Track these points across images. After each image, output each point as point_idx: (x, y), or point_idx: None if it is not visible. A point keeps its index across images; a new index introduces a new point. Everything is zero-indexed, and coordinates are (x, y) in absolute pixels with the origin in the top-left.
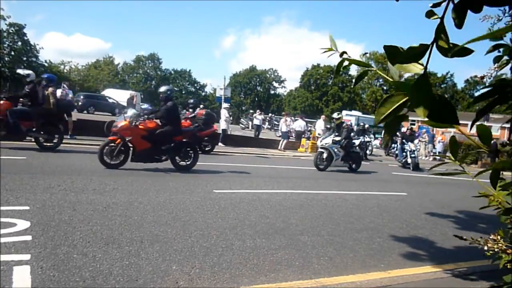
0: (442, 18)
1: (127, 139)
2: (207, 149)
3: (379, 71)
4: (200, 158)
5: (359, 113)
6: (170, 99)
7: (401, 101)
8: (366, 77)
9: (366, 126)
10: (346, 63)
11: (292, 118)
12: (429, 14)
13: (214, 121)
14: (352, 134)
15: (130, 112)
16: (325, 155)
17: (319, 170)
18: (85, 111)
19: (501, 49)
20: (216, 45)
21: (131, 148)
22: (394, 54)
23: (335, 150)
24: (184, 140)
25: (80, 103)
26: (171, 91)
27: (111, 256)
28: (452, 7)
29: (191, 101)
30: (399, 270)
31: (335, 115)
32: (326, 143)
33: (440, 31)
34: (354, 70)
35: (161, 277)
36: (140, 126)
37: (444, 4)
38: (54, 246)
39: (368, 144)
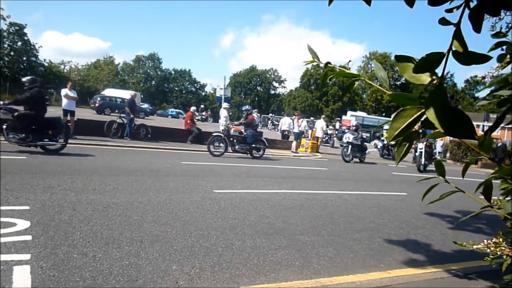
0: (458, 24)
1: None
2: None
3: (369, 81)
4: (200, 158)
5: (364, 114)
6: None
7: (415, 115)
8: (366, 77)
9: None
10: (333, 67)
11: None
12: (443, 21)
13: None
14: None
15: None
16: None
17: None
18: (102, 113)
19: (504, 47)
20: (215, 44)
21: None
22: (407, 65)
23: None
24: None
25: (97, 105)
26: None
27: (111, 256)
28: (467, 12)
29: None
30: (399, 270)
31: None
32: None
33: (457, 38)
34: (354, 69)
35: (161, 277)
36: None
37: (459, 10)
38: (54, 246)
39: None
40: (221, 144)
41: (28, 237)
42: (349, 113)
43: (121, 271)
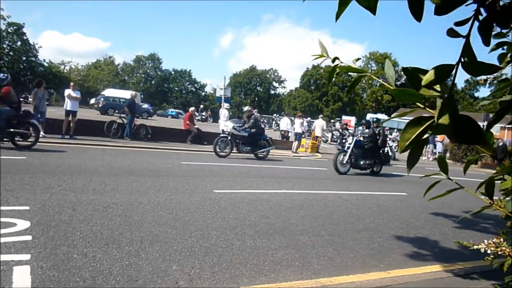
0: (467, 37)
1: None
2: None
3: (374, 76)
4: (200, 158)
5: (384, 116)
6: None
7: (425, 125)
8: (366, 77)
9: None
10: (339, 69)
11: (304, 119)
12: (451, 32)
13: None
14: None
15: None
16: None
17: None
18: (106, 113)
19: (505, 47)
20: (215, 44)
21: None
22: (417, 78)
23: None
24: None
25: (100, 105)
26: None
27: (111, 256)
28: (477, 24)
29: None
30: (399, 270)
31: None
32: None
33: (467, 50)
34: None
35: (161, 277)
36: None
37: (468, 22)
38: (54, 246)
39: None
40: None
41: (28, 237)
42: (369, 115)
43: (121, 271)
